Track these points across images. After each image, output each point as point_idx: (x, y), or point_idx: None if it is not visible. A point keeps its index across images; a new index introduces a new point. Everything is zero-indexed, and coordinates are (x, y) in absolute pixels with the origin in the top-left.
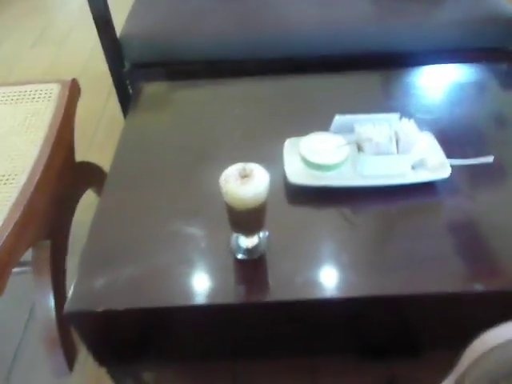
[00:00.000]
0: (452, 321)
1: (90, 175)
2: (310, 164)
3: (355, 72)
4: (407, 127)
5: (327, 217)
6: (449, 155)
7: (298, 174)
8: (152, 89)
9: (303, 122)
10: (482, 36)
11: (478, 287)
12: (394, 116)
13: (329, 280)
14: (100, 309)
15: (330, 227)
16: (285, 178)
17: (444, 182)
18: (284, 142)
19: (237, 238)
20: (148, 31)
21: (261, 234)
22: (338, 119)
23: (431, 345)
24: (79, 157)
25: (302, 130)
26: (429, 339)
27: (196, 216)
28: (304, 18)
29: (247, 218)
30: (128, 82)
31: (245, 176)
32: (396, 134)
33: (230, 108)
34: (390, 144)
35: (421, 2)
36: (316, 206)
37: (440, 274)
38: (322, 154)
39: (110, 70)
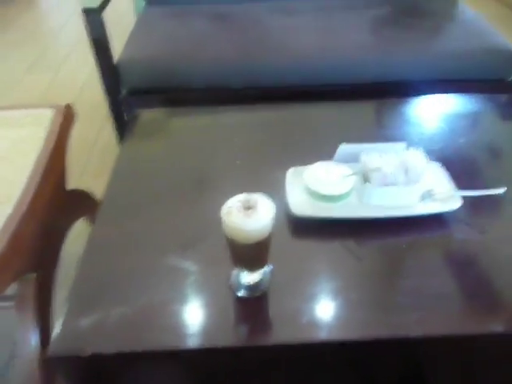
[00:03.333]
0: (464, 364)
1: (82, 204)
2: (314, 194)
3: (357, 101)
4: (415, 157)
5: (332, 250)
6: (457, 186)
7: (301, 205)
8: (149, 115)
9: (305, 151)
10: (480, 67)
11: (495, 328)
12: (401, 145)
13: (334, 320)
14: (87, 353)
15: (335, 261)
16: (287, 209)
17: (454, 213)
18: (285, 171)
19: (238, 273)
20: (147, 57)
21: (263, 270)
22: (343, 148)
23: None
24: (71, 185)
25: (304, 159)
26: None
27: (193, 249)
28: (304, 46)
29: (250, 253)
30: (124, 108)
31: (249, 208)
32: (403, 163)
33: (229, 136)
34: (398, 174)
35: (420, 31)
36: (320, 238)
37: (452, 314)
38: (327, 184)
39: (106, 95)
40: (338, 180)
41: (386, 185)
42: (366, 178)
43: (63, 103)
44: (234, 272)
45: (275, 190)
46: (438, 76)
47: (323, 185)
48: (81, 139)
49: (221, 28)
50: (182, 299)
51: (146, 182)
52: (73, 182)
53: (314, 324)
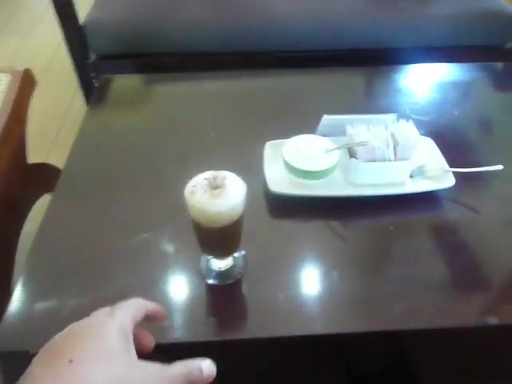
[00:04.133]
0: (456, 357)
1: (46, 178)
2: (294, 171)
3: (343, 68)
4: (405, 130)
5: (314, 232)
6: (450, 163)
7: (280, 182)
8: (117, 82)
9: (286, 122)
10: (475, 33)
11: (491, 320)
12: (391, 117)
13: (314, 311)
14: (36, 350)
15: (317, 244)
16: (265, 186)
17: (446, 192)
18: (264, 145)
19: (207, 259)
20: (116, 18)
21: (236, 254)
22: (327, 119)
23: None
24: (39, 158)
25: (285, 131)
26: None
27: (159, 232)
28: (289, 8)
29: (219, 238)
30: (94, 75)
31: (216, 187)
32: (393, 137)
33: (204, 106)
34: (387, 149)
35: None
36: (301, 218)
37: (444, 304)
38: (309, 160)
39: (72, 60)
40: (321, 155)
41: (374, 160)
42: (351, 153)
43: (33, 67)
44: (203, 258)
45: (252, 166)
46: (430, 42)
47: (304, 160)
48: (51, 109)
49: None
50: (146, 287)
51: (110, 155)
52: (42, 154)
53: (291, 316)
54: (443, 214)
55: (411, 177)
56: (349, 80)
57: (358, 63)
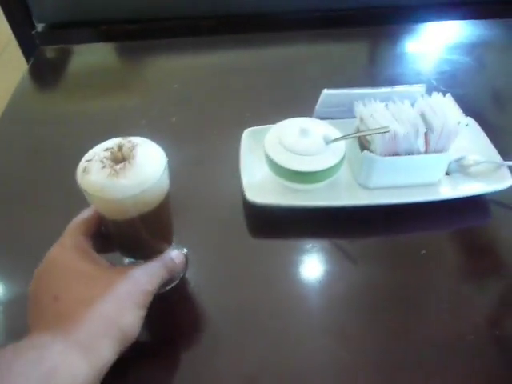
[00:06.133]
0: None
1: None
2: (281, 171)
3: (345, 30)
4: (442, 107)
5: (308, 253)
6: (502, 154)
7: (261, 187)
8: (57, 53)
9: (271, 102)
10: None
11: None
12: (418, 88)
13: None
14: None
15: (315, 270)
16: (242, 192)
17: (500, 197)
18: (241, 133)
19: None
20: None
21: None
22: (328, 95)
23: None
24: None
25: (270, 115)
26: None
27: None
28: None
29: (133, 235)
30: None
31: (120, 160)
32: (424, 118)
33: (167, 82)
34: (416, 136)
35: None
36: (291, 235)
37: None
38: (302, 155)
39: (13, 31)
40: (320, 147)
41: (397, 153)
42: (363, 144)
43: None
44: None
45: (225, 162)
46: None
47: (296, 155)
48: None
49: None
50: None
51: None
52: None
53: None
54: (496, 230)
55: (447, 174)
56: (353, 45)
57: (360, 24)
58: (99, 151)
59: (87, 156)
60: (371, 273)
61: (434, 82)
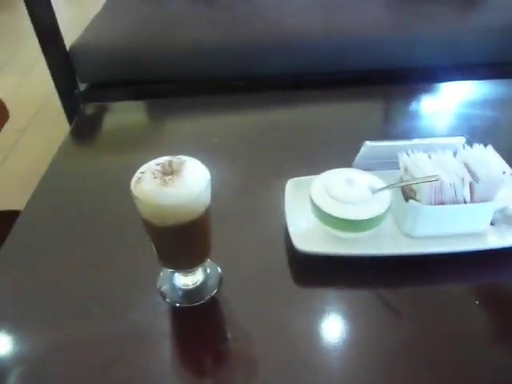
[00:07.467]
0: None
1: None
2: (328, 219)
3: (373, 88)
4: (485, 158)
5: (353, 303)
6: None
7: (308, 235)
8: (102, 110)
9: (309, 155)
10: None
11: None
12: (458, 140)
13: None
14: None
15: (359, 321)
16: (287, 240)
17: None
18: (285, 184)
19: (168, 273)
20: (107, 42)
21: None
22: (369, 147)
23: None
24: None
25: (309, 167)
26: None
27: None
28: (304, 26)
29: (177, 242)
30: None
31: (169, 173)
32: (468, 168)
33: (208, 136)
34: (462, 186)
35: (450, 4)
36: (336, 284)
37: None
38: (349, 204)
39: (58, 90)
40: (366, 196)
41: (443, 202)
42: (407, 193)
43: (27, 108)
44: (163, 272)
45: (269, 211)
46: (473, 59)
47: (344, 204)
48: (43, 148)
49: (201, 6)
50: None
51: (77, 203)
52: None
53: None
54: None
55: (491, 224)
56: (381, 101)
57: (386, 84)
58: (152, 165)
59: (141, 168)
60: (417, 327)
61: (467, 137)
